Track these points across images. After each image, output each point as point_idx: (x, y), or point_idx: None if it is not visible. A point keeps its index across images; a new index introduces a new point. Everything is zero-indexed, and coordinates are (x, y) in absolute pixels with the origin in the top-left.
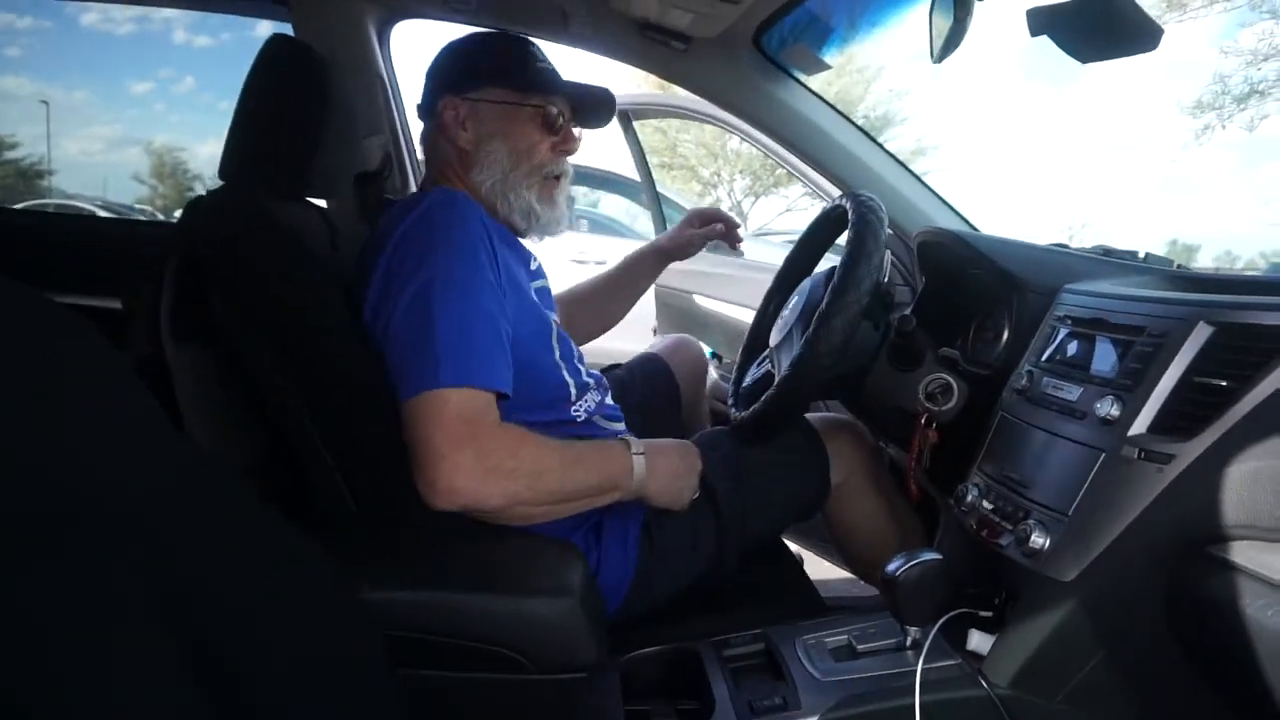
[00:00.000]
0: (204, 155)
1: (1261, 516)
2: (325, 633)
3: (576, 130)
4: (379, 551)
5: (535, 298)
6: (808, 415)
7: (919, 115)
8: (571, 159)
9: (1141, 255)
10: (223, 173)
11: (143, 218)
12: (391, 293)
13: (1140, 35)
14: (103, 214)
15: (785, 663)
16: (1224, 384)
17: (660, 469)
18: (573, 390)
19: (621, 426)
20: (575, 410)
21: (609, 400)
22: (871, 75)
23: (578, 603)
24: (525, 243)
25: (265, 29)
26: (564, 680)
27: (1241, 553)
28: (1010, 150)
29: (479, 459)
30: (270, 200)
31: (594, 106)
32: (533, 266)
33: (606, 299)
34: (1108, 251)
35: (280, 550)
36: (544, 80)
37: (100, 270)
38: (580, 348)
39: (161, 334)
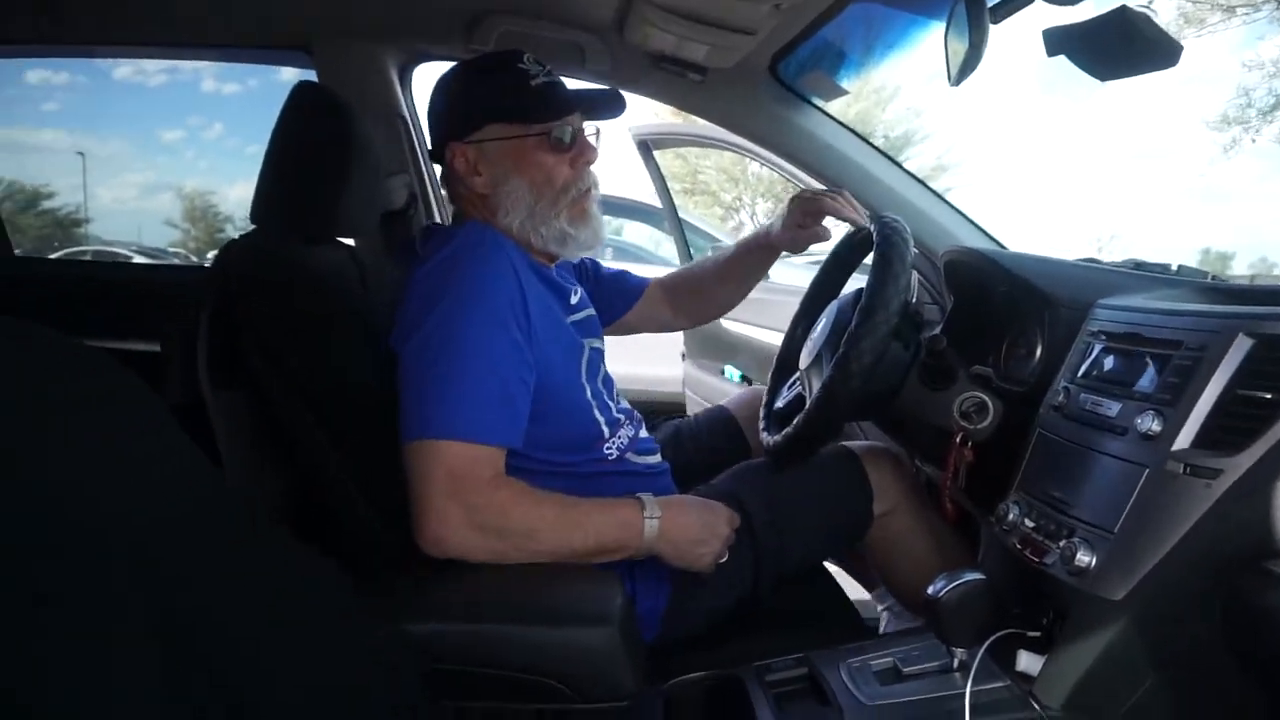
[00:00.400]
0: (233, 198)
1: None
2: (334, 661)
3: (591, 130)
4: (418, 585)
5: (574, 334)
6: (849, 444)
7: (939, 132)
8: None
9: (1174, 268)
10: (254, 217)
11: (177, 260)
12: (405, 333)
13: (1159, 52)
14: (138, 258)
15: (830, 687)
16: (1269, 396)
17: (674, 533)
18: (605, 429)
19: (656, 459)
20: (608, 448)
21: (643, 433)
22: (889, 95)
23: (617, 630)
24: (561, 270)
25: (291, 74)
26: (606, 709)
27: None
28: (1034, 164)
29: (467, 514)
30: (300, 243)
31: (604, 104)
32: (573, 300)
33: (716, 285)
34: (1139, 265)
35: (291, 580)
36: (543, 100)
37: (138, 315)
38: (616, 380)
39: (199, 376)
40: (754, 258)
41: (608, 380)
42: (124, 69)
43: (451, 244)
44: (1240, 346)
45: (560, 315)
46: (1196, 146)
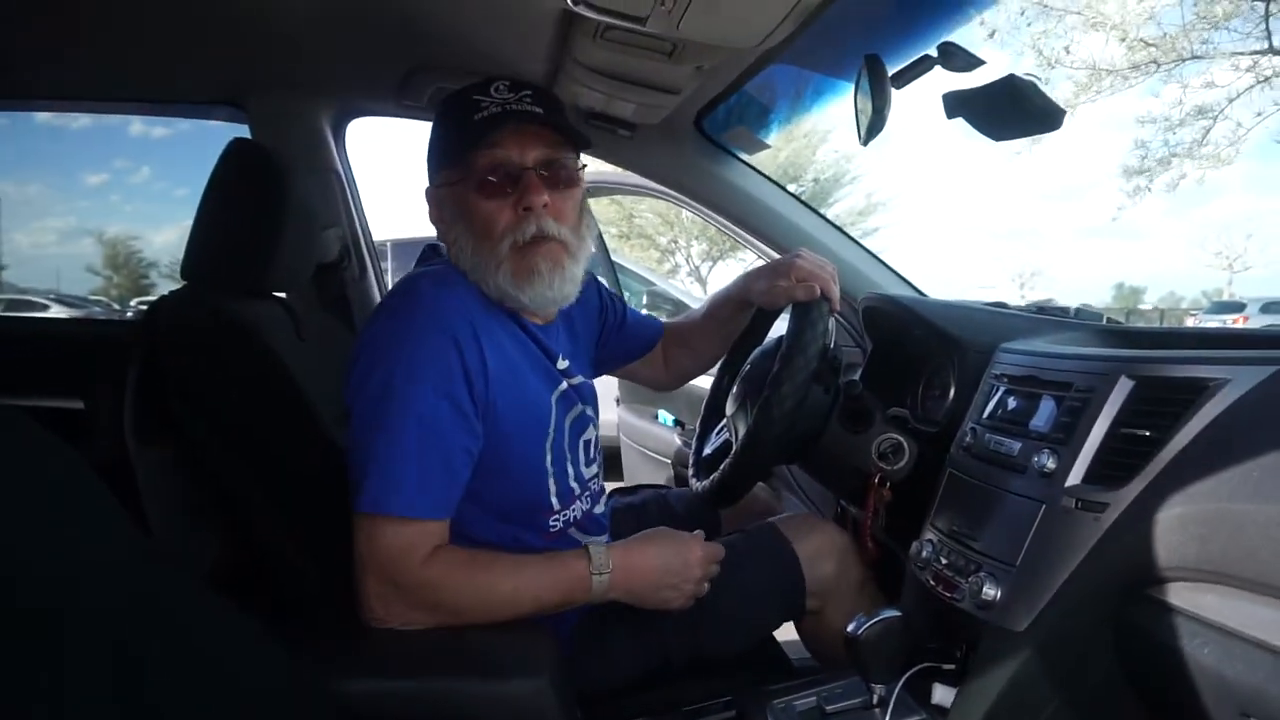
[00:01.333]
0: (158, 243)
1: (1189, 559)
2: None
3: (541, 157)
4: (349, 639)
5: (546, 399)
6: (777, 522)
7: (868, 173)
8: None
9: (1073, 311)
10: (184, 273)
11: (98, 310)
12: (354, 389)
13: (1043, 117)
14: (56, 307)
15: None
16: (1148, 434)
17: (630, 583)
18: (555, 500)
19: (603, 539)
20: (554, 521)
21: (597, 510)
22: (818, 140)
23: (547, 681)
24: (553, 330)
25: (222, 120)
26: None
27: (1177, 594)
28: (959, 204)
29: (401, 594)
30: (233, 298)
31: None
32: (561, 365)
33: (698, 339)
34: (1041, 309)
35: (232, 641)
36: (484, 132)
37: (60, 371)
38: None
39: (126, 433)
40: (725, 311)
41: (585, 446)
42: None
43: (407, 290)
44: (1123, 387)
45: (542, 375)
46: (1107, 190)
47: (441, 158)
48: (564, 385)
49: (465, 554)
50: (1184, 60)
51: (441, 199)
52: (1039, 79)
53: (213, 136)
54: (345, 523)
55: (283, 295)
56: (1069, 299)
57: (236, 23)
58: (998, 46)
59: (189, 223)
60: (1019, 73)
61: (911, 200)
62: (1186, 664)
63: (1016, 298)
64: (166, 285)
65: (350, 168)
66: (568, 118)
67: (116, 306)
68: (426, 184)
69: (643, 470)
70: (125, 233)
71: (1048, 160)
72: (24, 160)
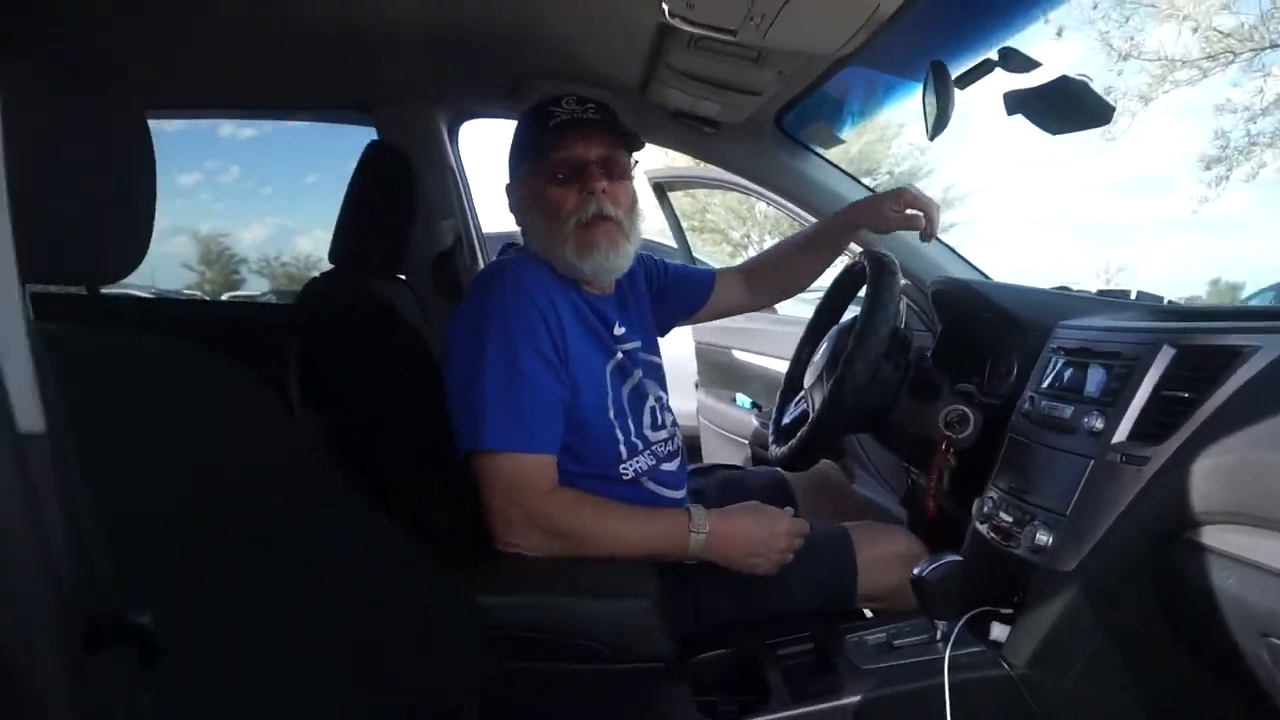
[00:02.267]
0: (246, 240)
1: (1219, 504)
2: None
3: (601, 154)
4: (486, 565)
5: (609, 360)
6: (851, 526)
7: (945, 166)
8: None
9: (1133, 294)
10: (331, 257)
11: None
12: (455, 350)
13: (1095, 114)
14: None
15: (831, 656)
16: (1186, 395)
17: (723, 547)
18: (623, 451)
19: (675, 493)
20: (624, 469)
21: (667, 467)
22: (893, 134)
23: (651, 604)
24: (610, 300)
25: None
26: (642, 670)
27: (1208, 535)
28: (1038, 197)
29: (528, 519)
30: (371, 280)
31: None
32: (617, 331)
33: (801, 256)
34: (1102, 292)
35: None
36: (555, 135)
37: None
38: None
39: (291, 400)
40: (828, 237)
41: (648, 410)
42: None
43: (496, 271)
44: (1165, 355)
45: (598, 342)
46: (1188, 183)
47: (521, 157)
48: (619, 353)
49: (582, 493)
50: (1262, 50)
51: (520, 191)
52: (1089, 79)
53: (296, 137)
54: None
55: (406, 280)
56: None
57: (367, 39)
58: (1066, 41)
59: (274, 219)
60: (1074, 73)
61: (990, 194)
62: (1214, 594)
63: None
64: (255, 280)
65: (463, 165)
66: (622, 124)
67: (208, 300)
68: (508, 182)
69: (721, 451)
70: (216, 230)
71: (1130, 152)
72: None
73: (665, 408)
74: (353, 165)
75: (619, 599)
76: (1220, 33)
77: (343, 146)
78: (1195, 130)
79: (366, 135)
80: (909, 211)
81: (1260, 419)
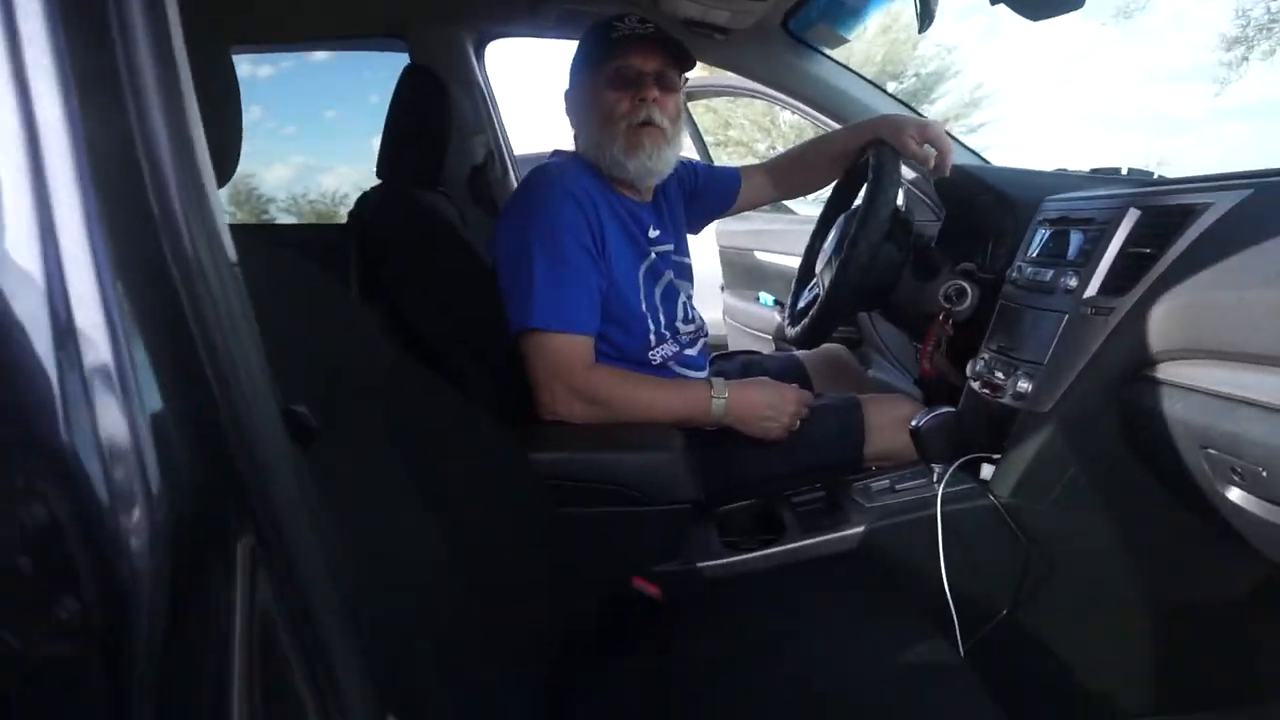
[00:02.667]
0: (271, 180)
1: (1174, 342)
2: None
3: (664, 74)
4: (538, 429)
5: (640, 257)
6: (863, 396)
7: (973, 66)
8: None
9: (1124, 170)
10: (379, 172)
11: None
12: (505, 239)
13: None
14: None
15: (840, 500)
16: (1148, 251)
17: (740, 410)
18: (652, 338)
19: (702, 375)
20: (652, 354)
21: (689, 352)
22: (921, 36)
23: (678, 456)
24: (646, 208)
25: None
26: (673, 511)
27: (1163, 370)
28: (1071, 92)
29: (570, 391)
30: (416, 191)
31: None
32: (652, 234)
33: (826, 165)
34: (1094, 170)
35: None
36: (615, 47)
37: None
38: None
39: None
40: (860, 144)
41: (680, 304)
42: None
43: (543, 171)
44: (1131, 217)
45: (633, 243)
46: (1211, 68)
47: (583, 64)
48: (652, 254)
49: (617, 368)
50: None
51: (577, 96)
52: None
53: (313, 72)
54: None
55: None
56: None
57: None
58: None
59: (298, 159)
60: None
61: (1022, 93)
62: (1165, 418)
63: None
64: (284, 218)
65: (490, 84)
66: (678, 42)
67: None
68: (566, 89)
69: (745, 345)
70: (242, 171)
71: (1168, 43)
72: None
73: (689, 302)
74: (371, 99)
75: (650, 450)
76: None
77: (362, 81)
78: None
79: (383, 68)
80: (926, 147)
81: (1207, 266)
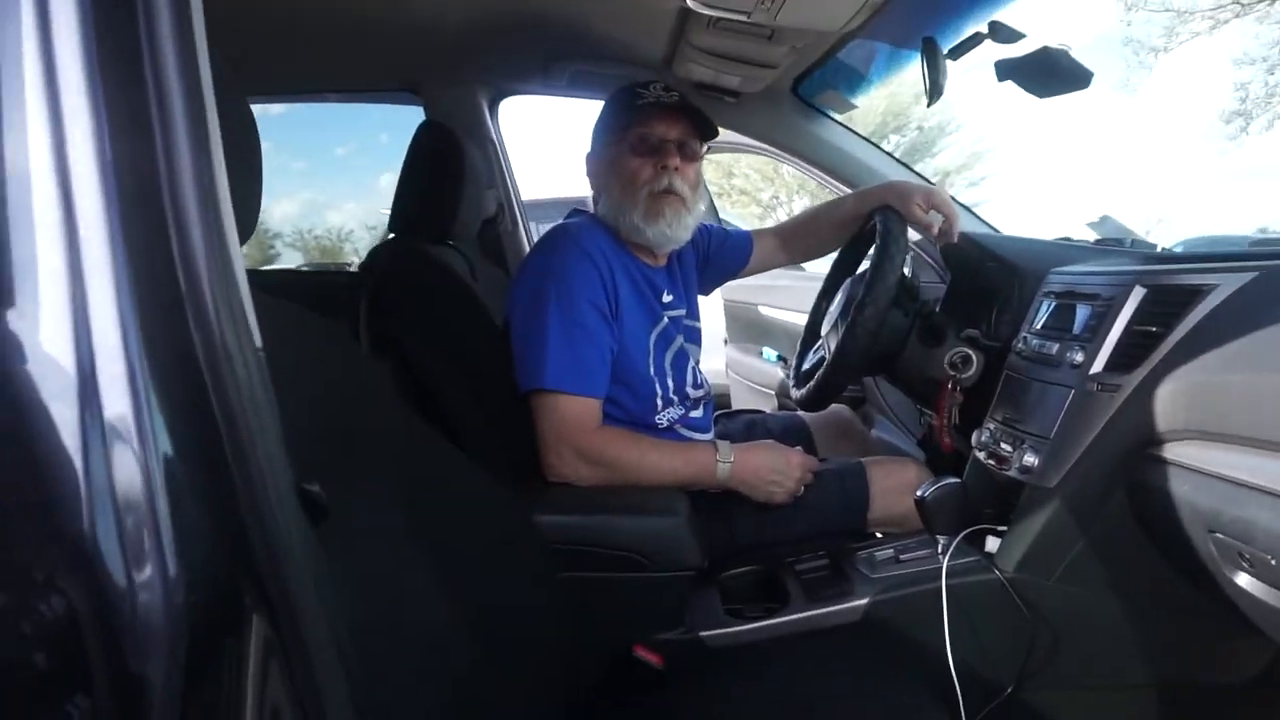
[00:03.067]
0: (278, 215)
1: (1179, 423)
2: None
3: (686, 145)
4: (542, 490)
5: (653, 323)
6: (867, 460)
7: (975, 118)
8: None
9: (1129, 242)
10: (391, 226)
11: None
12: (519, 298)
13: (1075, 78)
14: None
15: (844, 570)
16: (1154, 329)
17: (746, 474)
18: (659, 402)
19: (707, 436)
20: (659, 418)
21: (694, 414)
22: (921, 90)
23: (683, 521)
24: (661, 272)
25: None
26: (676, 577)
27: (1169, 450)
28: (1072, 148)
29: (576, 453)
30: (427, 246)
31: (698, 122)
32: (665, 299)
33: (833, 233)
34: (1099, 240)
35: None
36: (640, 114)
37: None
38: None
39: (362, 350)
40: (868, 210)
41: (686, 369)
42: None
43: (561, 232)
44: (1137, 294)
45: (646, 307)
46: (1215, 133)
47: (606, 128)
48: (665, 319)
49: (624, 430)
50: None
51: (600, 159)
52: (1069, 47)
53: (322, 115)
54: (528, 410)
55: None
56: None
57: (416, 27)
58: None
59: (304, 195)
60: (1052, 44)
61: (1022, 145)
62: (1173, 499)
63: None
64: (289, 253)
65: (503, 139)
66: (701, 113)
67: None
68: (589, 151)
69: (748, 402)
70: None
71: (1163, 102)
72: None
73: (696, 368)
74: (380, 140)
75: (656, 516)
76: None
77: (371, 121)
78: (1222, 78)
79: (391, 112)
80: (932, 213)
81: (1214, 347)
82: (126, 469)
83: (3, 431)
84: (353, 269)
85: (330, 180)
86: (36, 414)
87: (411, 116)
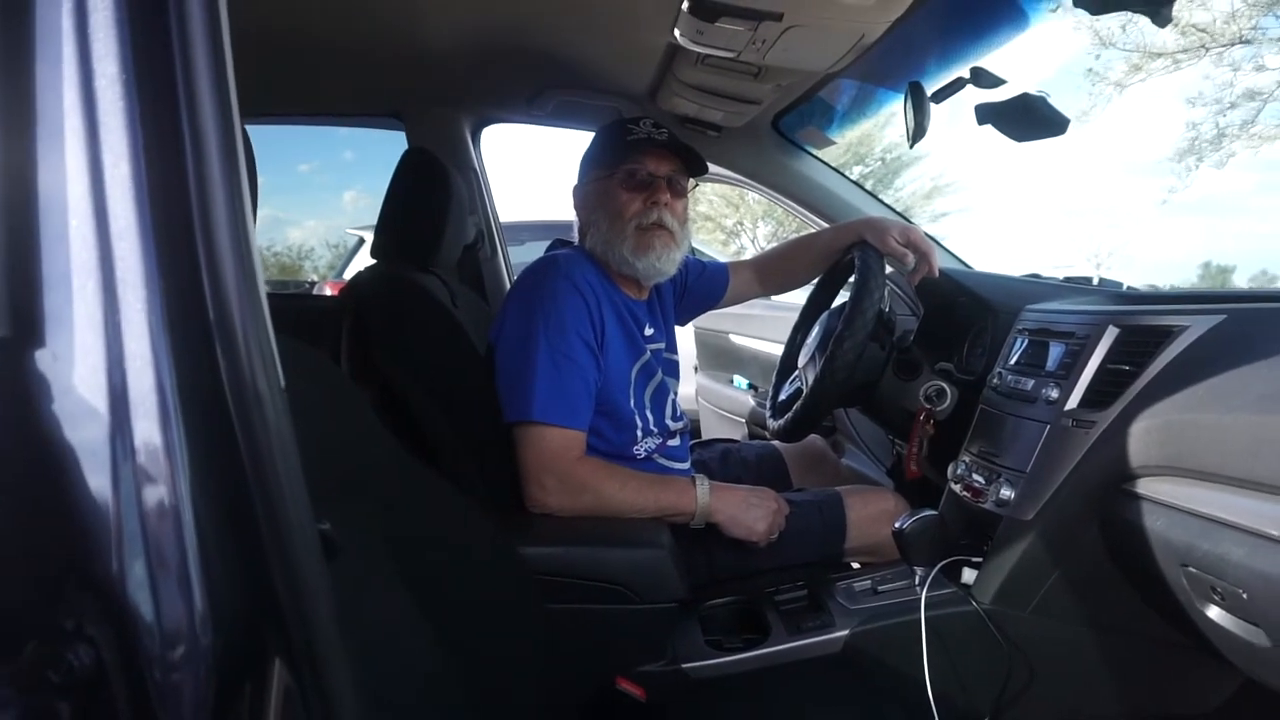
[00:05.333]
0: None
1: (1152, 459)
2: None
3: (676, 179)
4: (523, 520)
5: (635, 356)
6: (844, 490)
7: (936, 151)
8: (675, 211)
9: (1096, 280)
10: (374, 253)
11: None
12: (504, 329)
13: (1052, 123)
14: None
15: (823, 601)
16: (1127, 368)
17: (724, 507)
18: (639, 433)
19: (684, 465)
20: (637, 449)
21: (671, 443)
22: (884, 122)
23: (667, 553)
24: (643, 305)
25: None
26: (659, 609)
27: (1142, 485)
28: (1029, 181)
29: (560, 483)
30: (409, 272)
31: (688, 159)
32: (647, 332)
33: (806, 266)
34: (1068, 279)
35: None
36: (633, 149)
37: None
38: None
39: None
40: (843, 244)
41: (666, 403)
42: None
43: (548, 262)
44: (1110, 334)
45: (629, 340)
46: (1168, 169)
47: (596, 162)
48: (646, 352)
49: (606, 462)
50: (1232, 45)
51: (588, 192)
52: (1047, 94)
53: (301, 134)
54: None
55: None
56: (1150, 278)
57: (401, 55)
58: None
59: (275, 214)
60: (1033, 90)
61: (982, 178)
62: (1146, 533)
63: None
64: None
65: (484, 166)
66: (691, 150)
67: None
68: (576, 183)
69: (719, 429)
70: None
71: (1118, 136)
72: None
73: (675, 401)
74: (346, 158)
75: (639, 547)
76: (1196, 28)
77: (335, 140)
78: (1175, 117)
79: (360, 131)
80: (906, 249)
81: (1185, 387)
82: (156, 510)
83: (34, 472)
84: (316, 291)
85: (291, 197)
86: (66, 455)
87: (380, 136)
